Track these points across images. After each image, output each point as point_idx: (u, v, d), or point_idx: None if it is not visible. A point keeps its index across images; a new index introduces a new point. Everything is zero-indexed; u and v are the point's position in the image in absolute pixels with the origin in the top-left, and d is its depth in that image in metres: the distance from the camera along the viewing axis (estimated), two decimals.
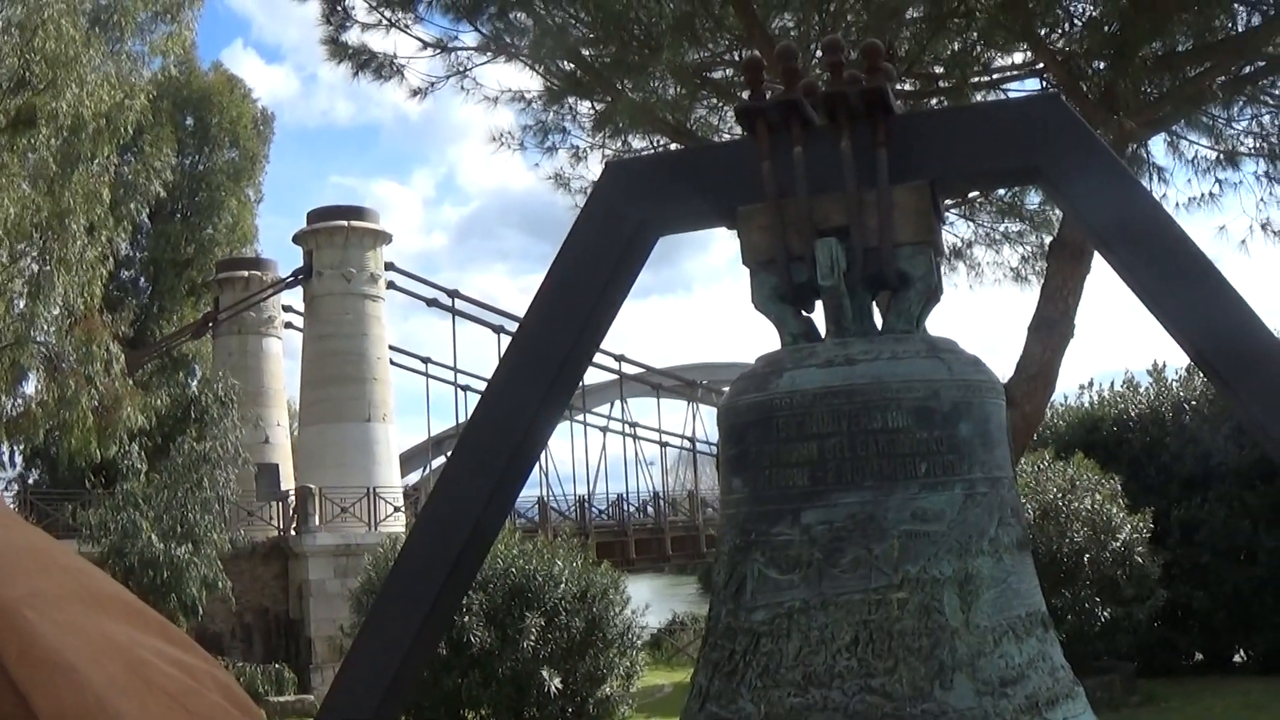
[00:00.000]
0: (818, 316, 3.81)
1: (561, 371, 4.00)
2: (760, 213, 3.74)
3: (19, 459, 50.19)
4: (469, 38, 20.37)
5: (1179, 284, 3.53)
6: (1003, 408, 3.72)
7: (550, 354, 3.97)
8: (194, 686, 1.05)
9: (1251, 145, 20.06)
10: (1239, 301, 3.47)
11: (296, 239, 55.77)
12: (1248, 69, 18.13)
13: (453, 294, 61.05)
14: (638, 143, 20.98)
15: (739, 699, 3.41)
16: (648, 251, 4.08)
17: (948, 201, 4.18)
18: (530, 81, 20.77)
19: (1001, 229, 23.25)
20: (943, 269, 3.89)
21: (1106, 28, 16.82)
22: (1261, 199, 20.28)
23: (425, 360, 63.97)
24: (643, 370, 71.34)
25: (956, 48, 18.04)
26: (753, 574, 3.49)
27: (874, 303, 3.83)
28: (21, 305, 34.58)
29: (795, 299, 3.75)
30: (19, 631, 0.97)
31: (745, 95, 3.83)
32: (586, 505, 63.07)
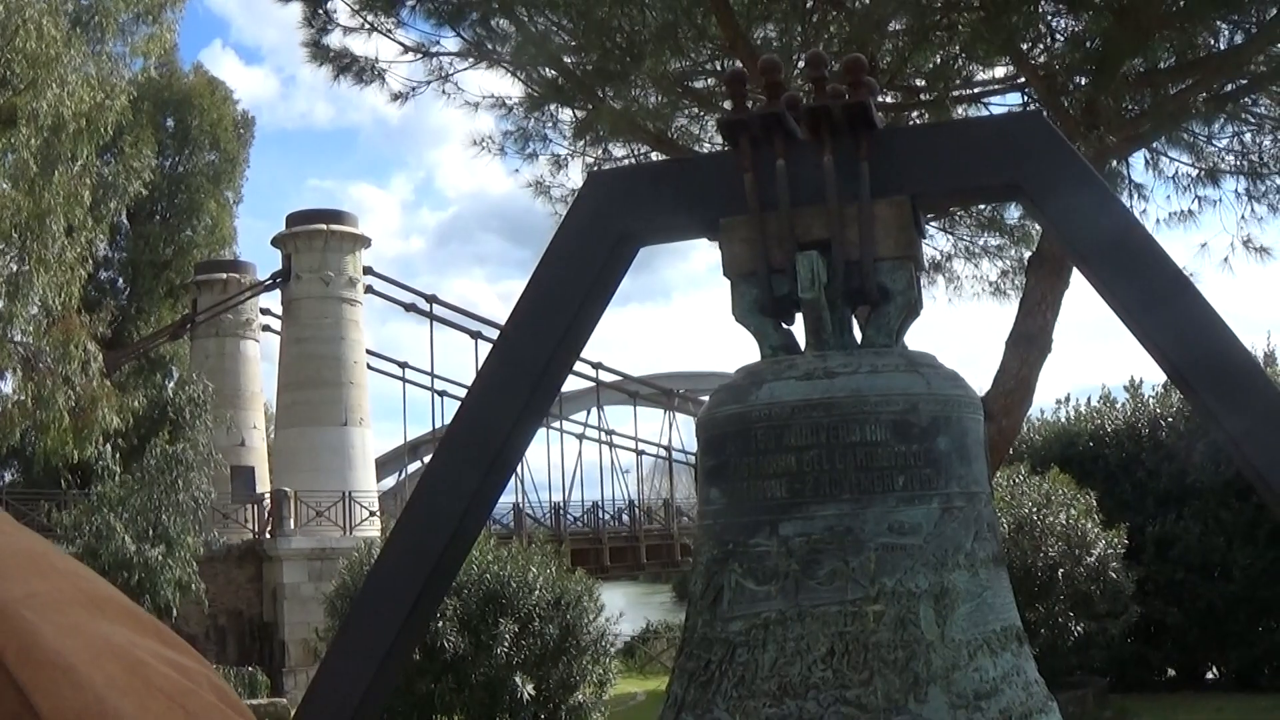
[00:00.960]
0: (797, 330, 3.83)
1: (541, 380, 4.01)
2: (742, 225, 3.75)
3: None
4: (451, 43, 20.35)
5: (1158, 303, 3.55)
6: (980, 423, 3.73)
7: (530, 363, 3.98)
8: (190, 687, 1.06)
9: (1232, 163, 20.10)
10: (1217, 321, 3.49)
11: (275, 242, 55.67)
12: (1229, 87, 18.15)
13: (430, 299, 60.96)
14: (618, 151, 21.00)
15: (714, 709, 3.42)
16: (629, 261, 4.10)
17: (927, 214, 4.18)
18: (512, 88, 20.75)
19: (981, 243, 23.26)
20: (922, 282, 3.90)
21: (1088, 43, 16.85)
22: (1242, 216, 20.30)
23: (402, 365, 63.80)
24: (620, 378, 71.17)
25: (938, 61, 18.07)
26: (730, 584, 3.51)
27: (853, 316, 3.84)
28: None
29: (776, 311, 3.76)
30: (19, 632, 0.98)
31: (727, 106, 3.86)
32: (562, 512, 63.01)
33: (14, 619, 0.98)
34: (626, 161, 20.52)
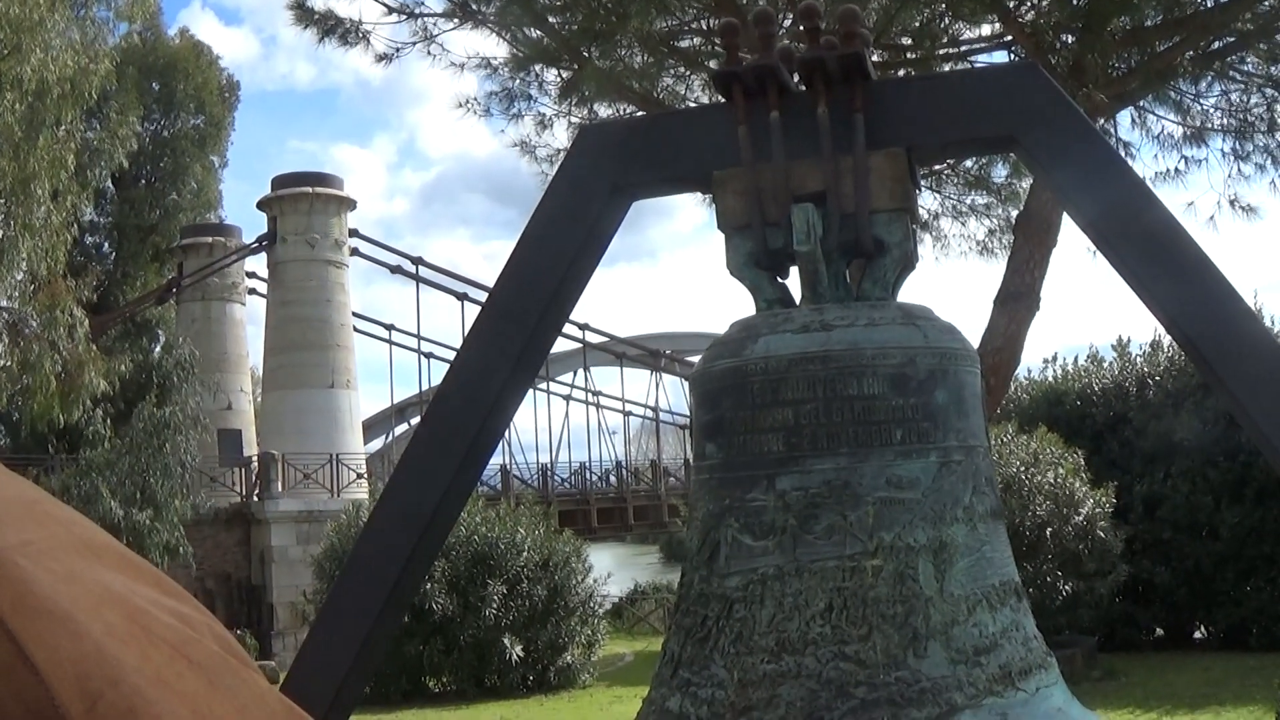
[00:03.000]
0: (792, 283, 3.80)
1: (533, 338, 3.98)
2: (736, 178, 3.72)
3: None
4: (435, 3, 20.29)
5: (1164, 270, 3.53)
6: (978, 376, 3.71)
7: (523, 319, 3.96)
8: (193, 636, 1.04)
9: (1220, 121, 20.05)
10: (1230, 291, 3.47)
11: (261, 205, 55.55)
12: (1217, 45, 18.12)
13: (416, 261, 60.83)
14: (604, 111, 20.91)
15: (711, 665, 3.40)
16: (621, 216, 4.07)
17: (923, 167, 4.15)
18: (497, 48, 20.66)
19: (968, 201, 23.19)
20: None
21: (1075, 1, 16.80)
22: (1230, 175, 20.26)
23: (389, 327, 63.69)
24: (607, 339, 71.10)
25: (924, 19, 18.01)
26: (726, 540, 3.48)
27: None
28: None
29: (771, 264, 3.74)
30: (13, 580, 0.95)
31: (713, 66, 3.83)
32: (549, 473, 63.06)
33: (7, 566, 0.95)
34: None
